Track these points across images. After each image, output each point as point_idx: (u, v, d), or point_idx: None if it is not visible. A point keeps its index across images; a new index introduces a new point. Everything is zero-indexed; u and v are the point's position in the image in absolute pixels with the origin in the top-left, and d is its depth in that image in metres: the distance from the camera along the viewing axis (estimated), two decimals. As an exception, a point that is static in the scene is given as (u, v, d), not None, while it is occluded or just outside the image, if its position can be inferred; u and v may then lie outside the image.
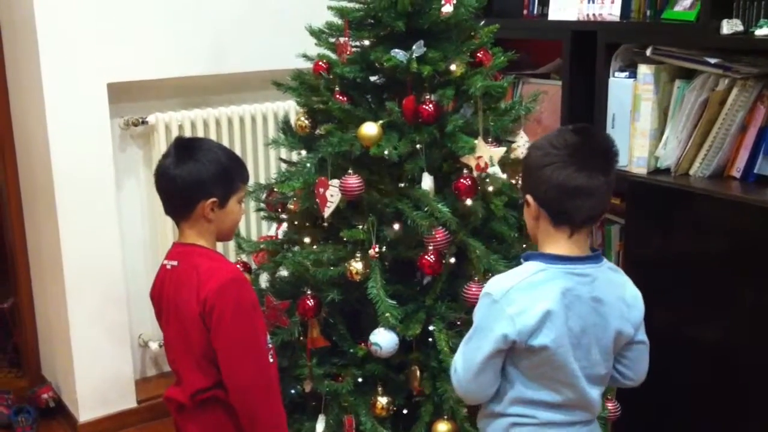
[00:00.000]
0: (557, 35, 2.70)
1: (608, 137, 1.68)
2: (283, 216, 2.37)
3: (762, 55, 2.23)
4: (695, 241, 2.21)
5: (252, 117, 3.14)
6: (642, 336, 1.71)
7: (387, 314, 1.98)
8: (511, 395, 1.65)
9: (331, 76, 2.18)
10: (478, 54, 2.16)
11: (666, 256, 2.29)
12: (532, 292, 1.58)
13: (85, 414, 2.96)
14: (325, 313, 2.13)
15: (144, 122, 2.96)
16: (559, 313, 1.56)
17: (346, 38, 2.13)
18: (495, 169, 2.06)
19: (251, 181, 2.29)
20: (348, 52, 2.13)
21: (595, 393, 1.65)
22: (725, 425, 2.17)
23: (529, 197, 1.65)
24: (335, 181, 2.07)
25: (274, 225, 2.45)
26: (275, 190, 2.30)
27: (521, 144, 2.24)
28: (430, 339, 2.08)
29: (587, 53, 2.56)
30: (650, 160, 2.44)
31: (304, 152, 2.30)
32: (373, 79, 2.16)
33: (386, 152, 2.01)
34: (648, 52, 2.40)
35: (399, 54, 2.02)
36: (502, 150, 2.07)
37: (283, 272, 2.34)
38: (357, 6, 2.16)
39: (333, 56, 2.20)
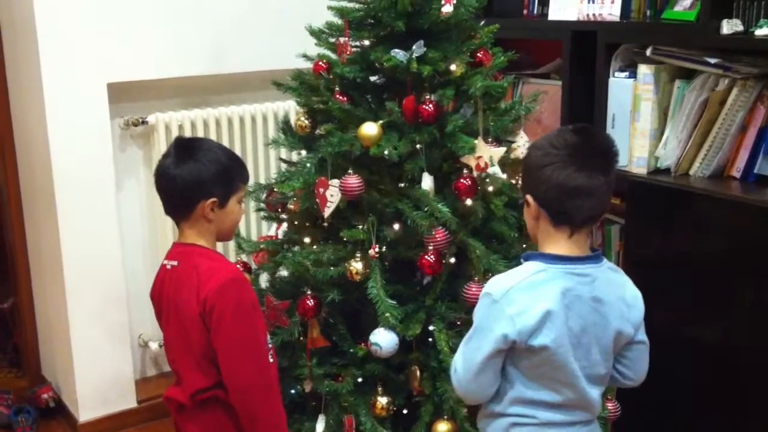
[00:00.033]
0: (557, 35, 2.70)
1: (608, 137, 1.68)
2: (283, 216, 2.37)
3: (762, 55, 2.23)
4: (695, 241, 2.21)
5: (252, 117, 3.14)
6: (642, 336, 1.72)
7: (387, 314, 1.98)
8: (511, 395, 1.65)
9: (331, 76, 2.18)
10: (478, 54, 2.16)
11: (666, 256, 2.29)
12: (532, 292, 1.58)
13: (85, 414, 2.96)
14: (325, 313, 2.13)
15: (144, 122, 2.96)
16: (559, 313, 1.56)
17: (346, 38, 2.13)
18: (495, 169, 2.06)
19: (251, 181, 2.29)
20: (348, 52, 2.13)
21: (595, 393, 1.65)
22: (725, 425, 2.17)
23: (529, 197, 1.65)
24: (335, 181, 2.07)
25: (274, 225, 2.45)
26: (275, 190, 2.30)
27: (521, 144, 2.24)
28: (430, 339, 2.08)
29: (587, 53, 2.56)
30: (650, 160, 2.44)
31: (304, 152, 2.30)
32: (373, 79, 2.16)
33: (386, 152, 2.01)
34: (648, 52, 2.40)
35: (399, 54, 2.02)
36: (502, 150, 2.07)
37: (283, 272, 2.34)
38: (357, 6, 2.16)
39: (333, 56, 2.20)
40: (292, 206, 2.27)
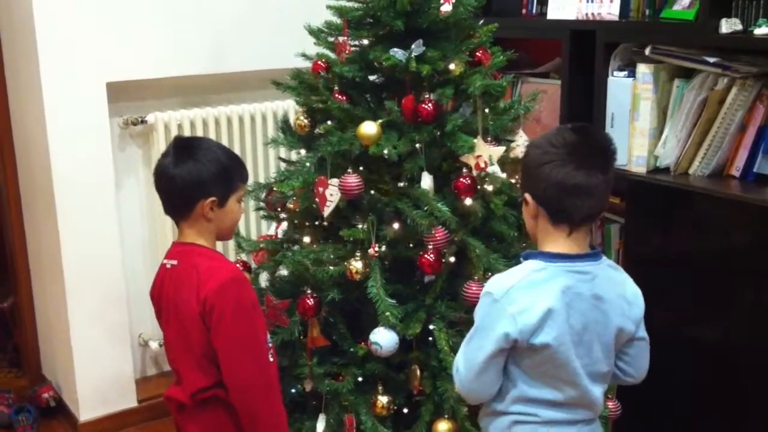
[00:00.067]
0: (556, 34, 2.70)
1: (606, 136, 1.68)
2: (283, 215, 2.37)
3: (761, 55, 2.23)
4: (694, 240, 2.21)
5: (251, 116, 3.14)
6: (642, 333, 1.72)
7: (387, 313, 1.98)
8: (513, 394, 1.65)
9: (330, 76, 2.18)
10: (477, 53, 2.16)
11: (665, 255, 2.29)
12: (533, 290, 1.58)
13: (85, 413, 2.96)
14: (325, 312, 2.13)
15: (143, 121, 2.96)
16: (560, 311, 1.57)
17: (345, 37, 2.13)
18: (494, 168, 2.06)
19: (251, 181, 2.29)
20: (347, 52, 2.13)
21: (597, 391, 1.65)
22: (725, 425, 2.17)
23: (527, 196, 1.65)
24: (334, 181, 2.07)
25: (274, 224, 2.45)
26: (275, 189, 2.30)
27: (520, 143, 2.24)
28: (431, 338, 2.08)
29: (586, 52, 2.56)
30: (649, 159, 2.44)
31: (303, 151, 2.30)
32: (372, 78, 2.16)
33: (386, 151, 2.01)
34: (647, 51, 2.40)
35: (398, 53, 2.02)
36: (501, 149, 2.07)
37: (283, 271, 2.34)
38: (356, 5, 2.16)
39: (332, 55, 2.20)
40: (291, 205, 2.27)
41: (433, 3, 2.07)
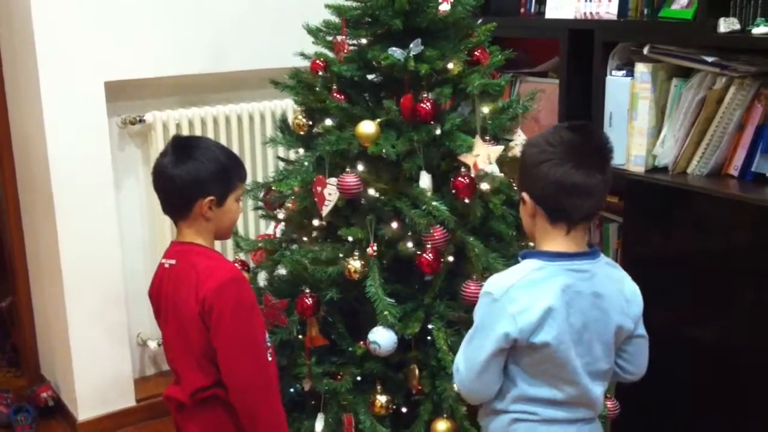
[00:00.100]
0: (554, 34, 2.70)
1: (603, 134, 1.68)
2: (281, 214, 2.37)
3: (759, 54, 2.23)
4: (693, 239, 2.21)
5: (250, 115, 3.14)
6: (641, 330, 1.72)
7: (386, 313, 1.98)
8: (513, 393, 1.65)
9: (328, 75, 2.18)
10: (476, 52, 2.16)
11: (664, 254, 2.29)
12: (533, 289, 1.58)
13: (84, 413, 2.96)
14: (324, 311, 2.13)
15: (141, 121, 2.96)
16: (560, 310, 1.57)
17: (344, 36, 2.13)
18: (493, 168, 2.06)
19: (249, 180, 2.29)
20: (345, 51, 2.13)
21: (597, 390, 1.66)
22: (725, 425, 2.17)
23: (525, 195, 1.65)
24: (333, 180, 2.07)
25: (272, 223, 2.45)
26: (273, 188, 2.30)
27: (519, 142, 2.24)
28: (429, 337, 2.08)
29: (584, 52, 2.56)
30: (648, 158, 2.44)
31: (301, 151, 2.30)
32: (370, 77, 2.16)
33: (384, 151, 2.01)
34: (645, 50, 2.40)
35: (396, 52, 2.02)
36: (499, 148, 2.07)
37: (282, 271, 2.34)
38: (354, 4, 2.16)
39: (330, 55, 2.20)
40: (290, 205, 2.27)
41: (431, 2, 2.07)
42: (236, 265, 2.23)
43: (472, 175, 2.02)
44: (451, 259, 2.08)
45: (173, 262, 1.90)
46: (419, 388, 2.08)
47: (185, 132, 2.97)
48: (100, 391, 2.97)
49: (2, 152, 3.05)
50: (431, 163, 2.08)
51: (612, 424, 2.25)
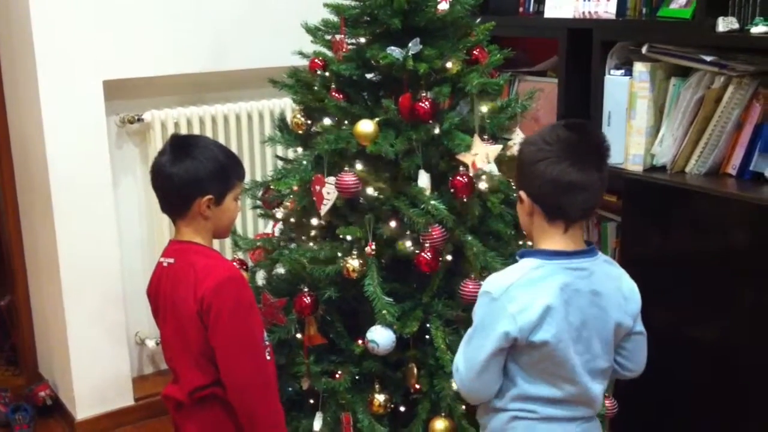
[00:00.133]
0: (553, 33, 2.70)
1: (600, 132, 1.68)
2: (280, 213, 2.37)
3: (758, 53, 2.24)
4: (691, 238, 2.22)
5: (248, 114, 3.14)
6: (640, 326, 1.73)
7: (384, 312, 1.98)
8: (512, 392, 1.65)
9: (327, 74, 2.18)
10: (474, 51, 2.16)
11: (662, 253, 2.29)
12: (532, 288, 1.58)
13: (82, 412, 2.96)
14: (322, 310, 2.13)
15: (140, 119, 2.96)
16: (559, 308, 1.57)
17: (342, 35, 2.13)
18: (491, 167, 2.06)
19: (247, 179, 2.29)
20: (344, 50, 2.13)
21: (596, 388, 1.66)
22: (725, 425, 2.17)
23: (522, 193, 1.65)
24: (331, 179, 2.07)
25: (271, 222, 2.45)
26: (272, 187, 2.30)
27: (517, 141, 2.24)
28: (427, 336, 2.08)
29: (583, 51, 2.57)
30: (646, 157, 2.45)
31: (300, 150, 2.30)
32: (369, 76, 2.16)
33: (383, 150, 2.01)
34: (644, 49, 2.40)
35: (395, 51, 2.02)
36: (498, 147, 2.07)
37: (280, 270, 2.34)
38: (353, 3, 2.15)
39: (329, 54, 2.20)
40: (288, 204, 2.27)
41: (430, 1, 2.07)
42: (235, 264, 2.23)
43: (471, 174, 2.03)
44: (449, 258, 2.08)
45: (172, 260, 1.90)
46: (417, 387, 2.08)
47: (184, 131, 2.97)
48: (98, 390, 2.96)
49: (1, 151, 3.05)
50: (430, 162, 2.08)
51: (611, 424, 2.25)
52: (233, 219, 1.98)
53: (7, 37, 2.91)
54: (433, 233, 2.00)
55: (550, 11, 2.74)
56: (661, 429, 2.34)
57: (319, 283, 2.09)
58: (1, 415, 2.99)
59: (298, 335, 2.16)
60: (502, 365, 1.64)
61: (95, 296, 2.90)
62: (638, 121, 2.43)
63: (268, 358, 1.89)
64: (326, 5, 2.18)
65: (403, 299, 2.07)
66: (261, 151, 3.19)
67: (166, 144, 1.93)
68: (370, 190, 2.08)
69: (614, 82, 2.49)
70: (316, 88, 2.20)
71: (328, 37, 2.21)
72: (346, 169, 2.06)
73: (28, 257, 3.14)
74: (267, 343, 1.91)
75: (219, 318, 1.79)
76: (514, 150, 2.19)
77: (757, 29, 2.14)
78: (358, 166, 2.08)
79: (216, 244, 2.08)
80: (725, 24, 2.19)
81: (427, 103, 2.00)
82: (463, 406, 2.01)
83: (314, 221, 2.19)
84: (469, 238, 2.05)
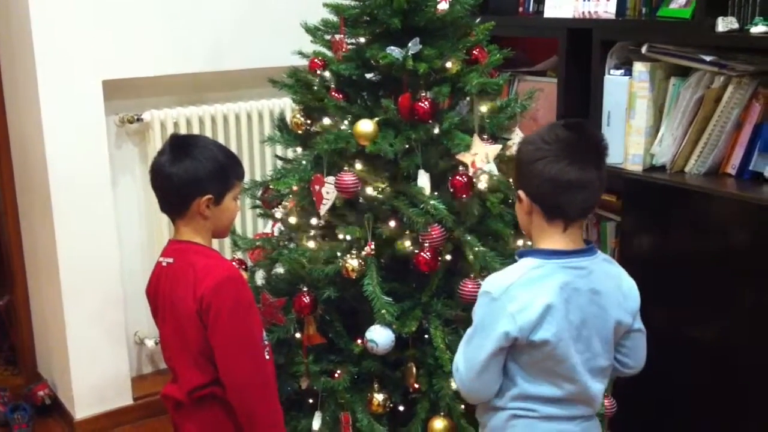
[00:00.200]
0: (553, 33, 2.70)
1: (598, 132, 1.69)
2: (279, 213, 2.37)
3: (757, 53, 2.24)
4: (691, 238, 2.22)
5: (248, 114, 3.14)
6: (639, 324, 1.73)
7: (383, 311, 1.98)
8: (512, 391, 1.65)
9: (326, 73, 2.18)
10: (474, 51, 2.16)
11: (662, 253, 2.29)
12: (532, 288, 1.58)
13: (81, 411, 2.96)
14: (322, 310, 2.13)
15: (139, 119, 2.95)
16: (559, 307, 1.57)
17: (342, 35, 2.13)
18: (491, 167, 2.06)
19: (247, 178, 2.29)
20: (344, 50, 2.13)
21: (597, 387, 1.66)
22: (724, 425, 2.18)
23: (521, 193, 1.65)
24: (331, 179, 2.07)
25: (270, 222, 2.45)
26: (271, 187, 2.30)
27: (517, 141, 2.24)
28: (426, 336, 2.08)
29: (583, 51, 2.57)
30: (646, 157, 2.45)
31: (299, 149, 2.30)
32: (368, 76, 2.16)
33: (382, 149, 2.01)
34: (643, 49, 2.40)
35: (395, 51, 2.02)
36: (497, 147, 2.07)
37: (279, 269, 2.34)
38: (353, 3, 2.16)
39: (329, 53, 2.20)
40: (288, 203, 2.27)
41: (429, 1, 2.07)
42: (234, 263, 2.23)
43: (470, 174, 2.03)
44: (448, 257, 2.08)
45: (171, 260, 1.90)
46: (416, 386, 2.08)
47: (183, 131, 2.97)
48: (97, 390, 2.96)
49: (0, 151, 3.04)
50: (429, 162, 2.08)
51: (610, 424, 2.25)
52: (232, 219, 1.98)
53: (7, 37, 2.91)
54: (433, 233, 2.00)
55: (550, 11, 2.74)
56: (660, 428, 2.34)
57: (319, 282, 2.09)
58: (0, 415, 2.99)
59: (297, 335, 2.16)
60: (502, 365, 1.64)
61: (94, 296, 2.89)
62: (638, 121, 2.43)
63: (267, 357, 1.89)
64: (326, 5, 2.18)
65: (402, 299, 2.07)
66: (260, 151, 3.19)
67: (166, 144, 1.92)
68: (369, 190, 2.08)
69: (614, 82, 2.49)
70: (315, 87, 2.20)
71: (328, 37, 2.22)
72: (345, 168, 2.06)
73: (27, 257, 3.14)
74: (266, 342, 1.91)
75: (218, 317, 1.79)
76: (514, 150, 2.20)
77: (756, 29, 2.14)
78: (358, 166, 2.08)
79: (215, 243, 2.08)
80: (725, 24, 2.19)
81: (426, 102, 2.00)
82: (462, 406, 2.01)
83: (313, 221, 2.19)
84: (469, 237, 2.05)
